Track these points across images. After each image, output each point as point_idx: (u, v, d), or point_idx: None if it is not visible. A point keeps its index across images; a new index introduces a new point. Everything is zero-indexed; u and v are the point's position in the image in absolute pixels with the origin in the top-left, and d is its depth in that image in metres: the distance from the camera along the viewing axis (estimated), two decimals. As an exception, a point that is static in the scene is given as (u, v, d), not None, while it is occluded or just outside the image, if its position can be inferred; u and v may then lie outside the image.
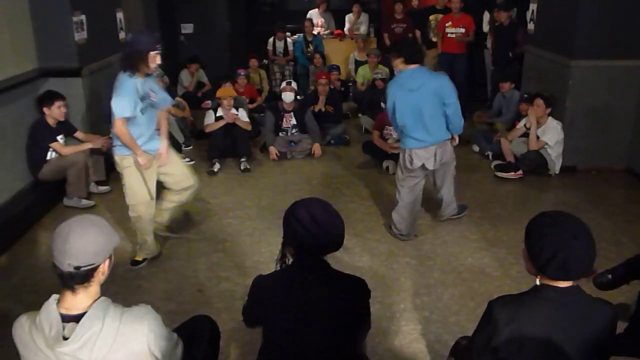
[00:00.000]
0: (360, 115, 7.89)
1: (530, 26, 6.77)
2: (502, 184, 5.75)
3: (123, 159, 3.94)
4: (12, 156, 4.92)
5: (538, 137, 5.74)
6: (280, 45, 9.46)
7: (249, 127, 6.55)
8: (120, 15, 6.63)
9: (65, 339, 1.78)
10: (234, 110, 6.49)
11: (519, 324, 1.89)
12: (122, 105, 3.74)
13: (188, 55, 8.84)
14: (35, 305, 1.89)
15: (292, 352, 2.14)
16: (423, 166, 4.34)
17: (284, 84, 6.77)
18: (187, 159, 6.40)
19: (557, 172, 5.80)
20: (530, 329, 1.88)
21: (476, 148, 6.69)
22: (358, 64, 9.01)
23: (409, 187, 4.43)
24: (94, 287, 1.87)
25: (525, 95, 6.30)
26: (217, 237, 4.63)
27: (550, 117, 5.73)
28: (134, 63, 3.75)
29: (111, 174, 5.90)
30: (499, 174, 5.91)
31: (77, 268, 1.79)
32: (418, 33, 8.48)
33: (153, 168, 4.03)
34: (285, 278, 2.18)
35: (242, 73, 8.04)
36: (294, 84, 6.80)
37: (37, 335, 1.81)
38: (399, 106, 4.21)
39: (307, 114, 6.77)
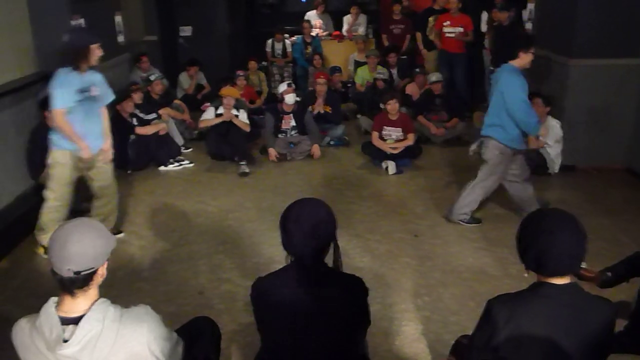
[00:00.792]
0: (359, 116, 7.90)
1: (528, 26, 6.78)
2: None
3: (60, 153, 4.06)
4: (13, 160, 4.92)
5: (537, 137, 5.74)
6: (279, 46, 9.47)
7: (247, 128, 6.55)
8: (119, 18, 6.65)
9: (65, 341, 1.78)
10: (234, 111, 6.50)
11: (518, 323, 1.90)
12: (59, 97, 3.89)
13: (187, 58, 8.85)
14: (35, 308, 1.89)
15: (290, 352, 2.14)
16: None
17: (284, 85, 6.75)
18: (187, 162, 6.43)
19: (556, 171, 5.81)
20: (529, 328, 1.89)
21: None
22: (358, 64, 9.02)
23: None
24: (92, 290, 1.87)
25: (524, 95, 6.30)
26: (217, 238, 4.64)
27: (549, 116, 5.74)
28: (75, 58, 3.90)
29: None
30: (499, 173, 5.90)
31: (77, 273, 1.80)
32: (419, 35, 8.49)
33: (78, 170, 4.16)
34: (283, 278, 2.18)
35: (241, 74, 8.05)
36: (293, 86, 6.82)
37: (38, 339, 1.81)
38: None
39: (307, 115, 6.78)
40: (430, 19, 8.32)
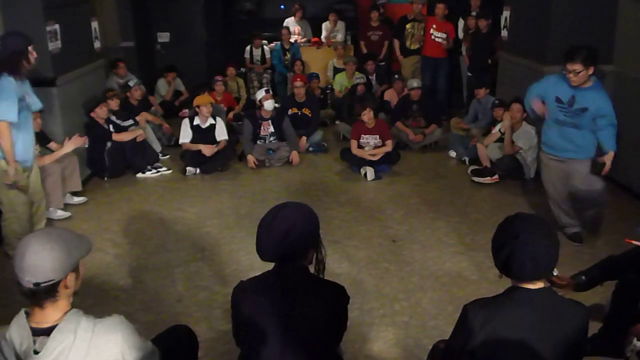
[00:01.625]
0: (337, 122, 7.93)
1: (504, 33, 6.87)
2: (479, 189, 5.82)
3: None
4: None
5: (513, 142, 5.82)
6: (257, 53, 9.46)
7: (225, 143, 6.53)
8: (95, 24, 6.57)
9: (36, 353, 1.75)
10: (211, 119, 6.45)
11: (493, 327, 1.91)
12: (6, 108, 3.75)
13: (165, 64, 8.80)
14: (6, 320, 1.86)
15: (267, 358, 2.13)
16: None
17: (262, 92, 6.73)
18: (164, 168, 6.37)
19: (532, 176, 5.88)
20: (504, 332, 1.91)
21: (453, 153, 6.76)
22: (337, 71, 9.05)
23: None
24: (62, 301, 1.84)
25: (497, 101, 6.39)
26: (195, 246, 4.60)
27: (524, 122, 5.82)
28: (15, 63, 3.78)
29: (87, 184, 5.86)
30: (476, 178, 5.98)
31: (37, 284, 1.76)
32: (396, 42, 8.57)
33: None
34: (263, 284, 2.17)
35: (219, 79, 8.02)
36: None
37: (8, 351, 1.77)
38: None
39: (285, 121, 6.77)
40: (408, 26, 8.40)
